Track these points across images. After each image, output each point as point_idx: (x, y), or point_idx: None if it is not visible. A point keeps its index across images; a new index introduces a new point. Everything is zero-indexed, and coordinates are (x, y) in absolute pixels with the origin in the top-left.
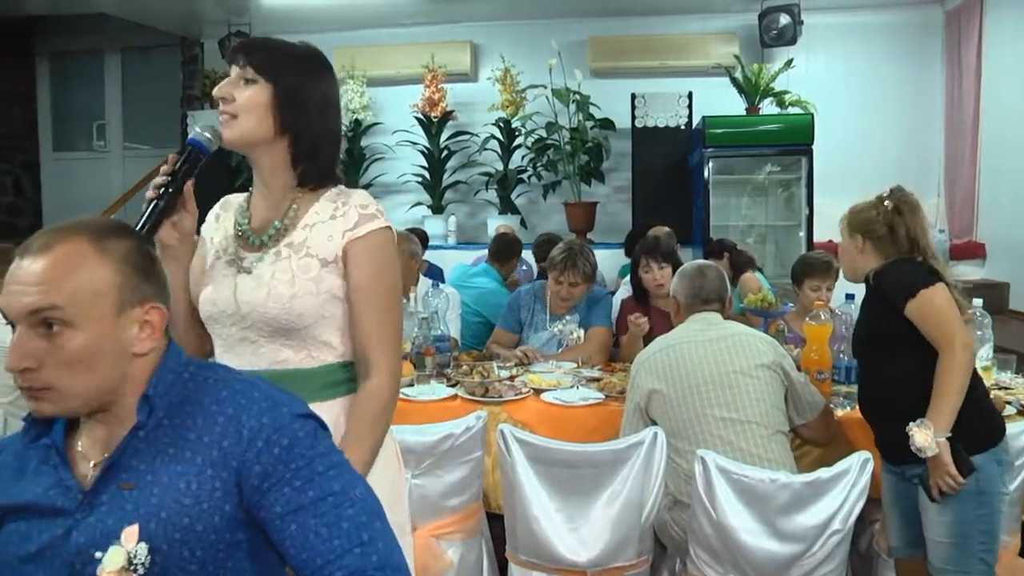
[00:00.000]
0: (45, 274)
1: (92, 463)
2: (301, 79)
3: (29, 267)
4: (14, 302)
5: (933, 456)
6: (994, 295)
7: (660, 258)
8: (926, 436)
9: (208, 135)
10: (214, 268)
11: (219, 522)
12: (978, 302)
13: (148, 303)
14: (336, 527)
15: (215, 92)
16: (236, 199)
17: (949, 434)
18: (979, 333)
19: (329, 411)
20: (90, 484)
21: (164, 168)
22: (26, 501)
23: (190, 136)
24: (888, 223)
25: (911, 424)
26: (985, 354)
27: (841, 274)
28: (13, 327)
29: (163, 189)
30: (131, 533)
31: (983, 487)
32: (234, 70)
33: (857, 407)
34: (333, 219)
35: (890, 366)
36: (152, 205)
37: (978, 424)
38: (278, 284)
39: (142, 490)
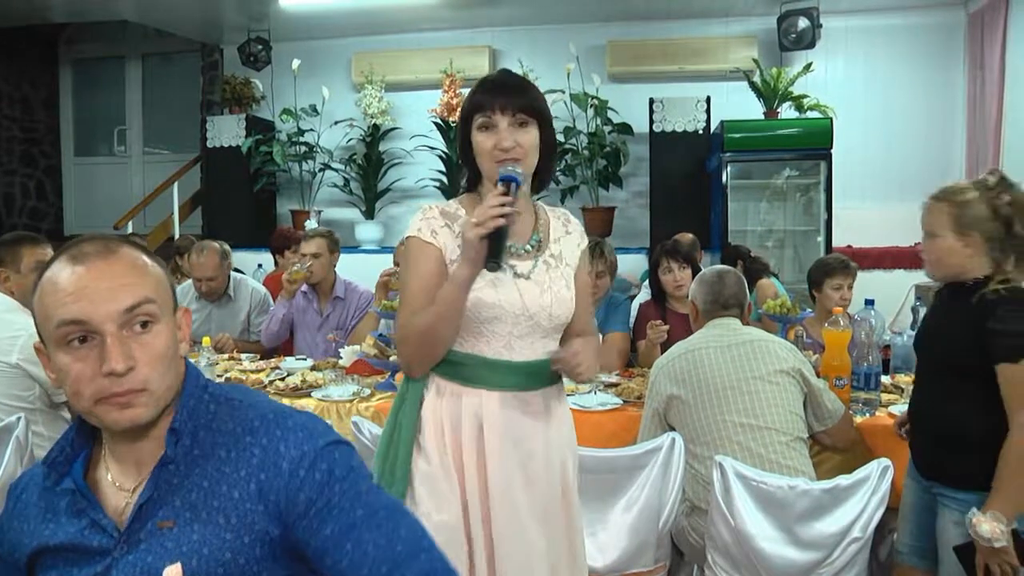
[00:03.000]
0: (128, 272)
1: (129, 489)
2: (544, 108)
3: (104, 268)
4: (103, 306)
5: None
6: None
7: (680, 259)
8: (995, 528)
9: (518, 171)
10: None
11: (260, 553)
12: None
13: (180, 307)
14: (395, 534)
15: (503, 142)
16: (451, 208)
17: (1015, 525)
18: None
19: (558, 389)
20: (125, 523)
21: (498, 200)
22: (59, 542)
23: (508, 174)
24: (1005, 219)
25: (975, 511)
26: None
27: (858, 276)
28: (80, 339)
29: (504, 211)
30: (175, 572)
31: None
32: (503, 119)
33: (877, 414)
34: (568, 234)
35: (957, 390)
36: (500, 231)
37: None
38: (560, 289)
39: (182, 528)
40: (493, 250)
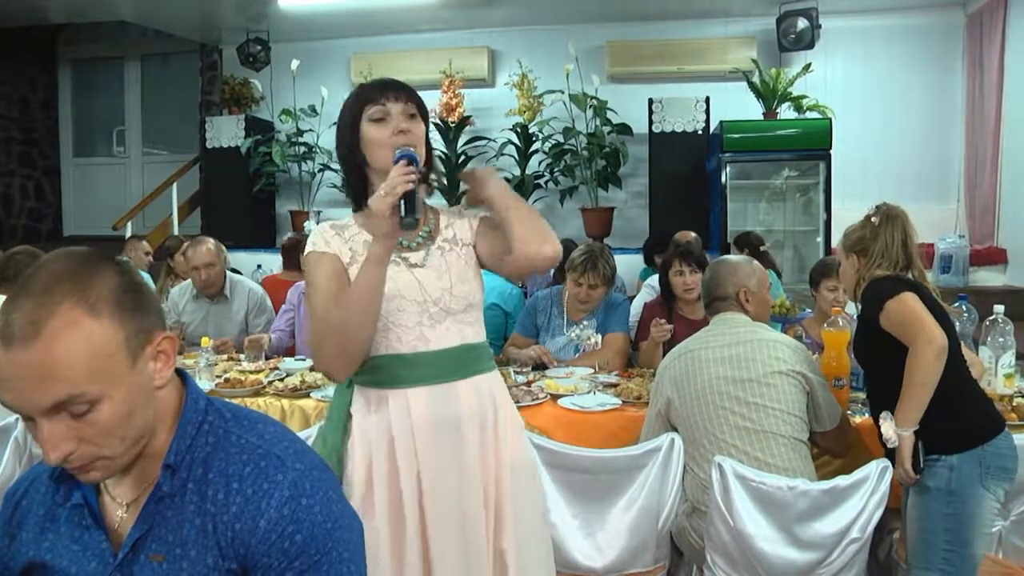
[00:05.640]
0: (50, 363)
1: (125, 503)
2: (426, 109)
3: (25, 359)
4: (26, 401)
5: (895, 448)
6: (1016, 301)
7: (693, 263)
8: (889, 431)
9: (412, 151)
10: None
11: None
12: (999, 308)
13: (157, 335)
14: None
15: (400, 126)
16: (341, 222)
17: (915, 427)
18: (1001, 340)
19: (494, 379)
20: (120, 549)
21: (404, 170)
22: (55, 564)
23: (406, 151)
24: (878, 238)
25: (882, 414)
26: (1007, 361)
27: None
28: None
29: (411, 178)
30: None
31: (954, 486)
32: (396, 106)
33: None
34: (461, 217)
35: (878, 379)
36: (409, 194)
37: (953, 424)
38: (459, 268)
39: (172, 564)
40: (408, 208)
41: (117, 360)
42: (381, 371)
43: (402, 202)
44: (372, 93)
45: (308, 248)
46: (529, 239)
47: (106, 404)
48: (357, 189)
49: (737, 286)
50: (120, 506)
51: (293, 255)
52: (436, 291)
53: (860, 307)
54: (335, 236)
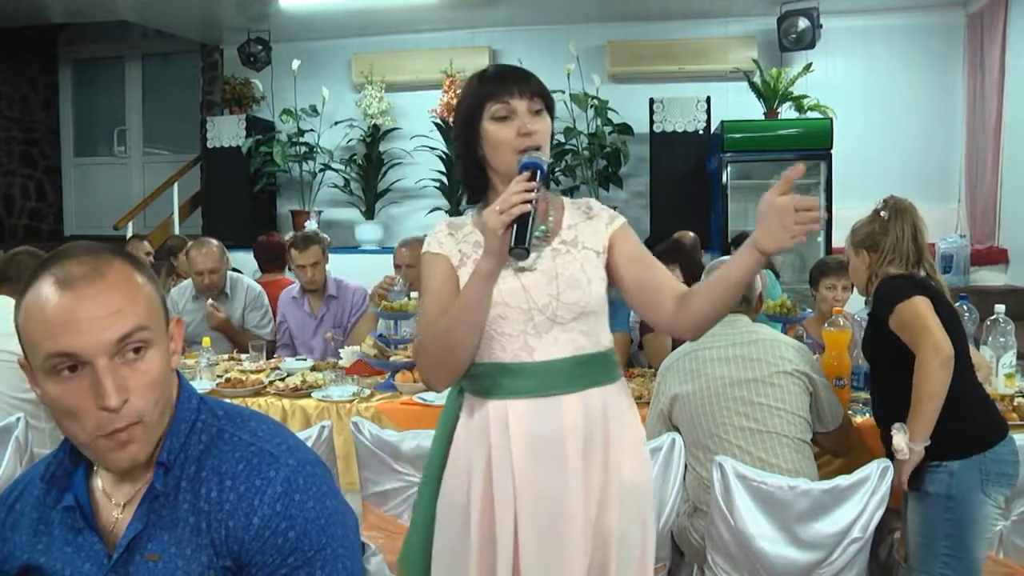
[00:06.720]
0: (118, 298)
1: (120, 503)
2: (551, 96)
3: (94, 294)
4: (95, 337)
5: (901, 456)
6: (1017, 301)
7: (667, 261)
8: (901, 443)
9: (542, 158)
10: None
11: None
12: (1000, 308)
13: (171, 316)
14: None
15: (526, 126)
16: (458, 220)
17: (928, 442)
18: (1002, 340)
19: (611, 392)
20: (115, 549)
21: (525, 185)
22: (50, 566)
23: (533, 160)
24: (888, 233)
25: (895, 425)
26: (1008, 361)
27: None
28: (70, 368)
29: (530, 197)
30: None
31: (954, 492)
32: (521, 103)
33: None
34: (589, 219)
35: (885, 377)
36: (525, 217)
37: (955, 428)
38: (572, 273)
39: (167, 563)
40: (519, 237)
41: (161, 316)
42: (483, 379)
43: (515, 225)
44: (494, 88)
45: (424, 248)
46: (703, 326)
47: (156, 353)
48: (477, 184)
49: (752, 291)
50: (116, 507)
51: (268, 256)
52: (542, 297)
53: (872, 304)
54: (448, 236)
